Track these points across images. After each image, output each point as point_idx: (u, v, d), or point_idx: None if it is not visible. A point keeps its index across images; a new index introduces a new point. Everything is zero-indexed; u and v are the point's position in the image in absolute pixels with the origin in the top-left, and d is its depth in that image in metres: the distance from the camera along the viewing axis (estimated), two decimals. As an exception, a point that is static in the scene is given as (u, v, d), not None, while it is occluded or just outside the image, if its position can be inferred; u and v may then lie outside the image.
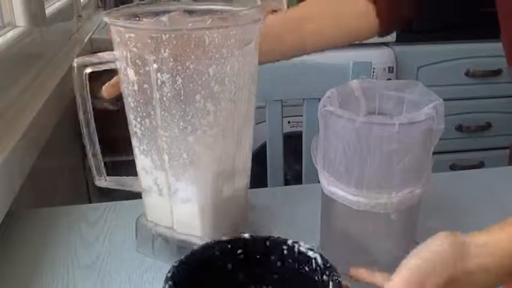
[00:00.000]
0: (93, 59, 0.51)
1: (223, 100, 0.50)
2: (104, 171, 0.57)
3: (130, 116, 0.53)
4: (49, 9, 1.12)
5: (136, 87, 0.51)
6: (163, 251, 0.58)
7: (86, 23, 1.52)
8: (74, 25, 1.36)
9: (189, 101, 0.49)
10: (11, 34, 0.86)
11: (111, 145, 1.48)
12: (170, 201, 0.55)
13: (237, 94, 0.51)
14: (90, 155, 0.56)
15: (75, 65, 0.51)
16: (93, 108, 1.56)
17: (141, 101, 0.51)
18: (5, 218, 0.61)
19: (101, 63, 0.51)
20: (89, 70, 0.51)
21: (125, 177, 0.59)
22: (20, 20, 0.91)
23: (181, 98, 0.49)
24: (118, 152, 1.45)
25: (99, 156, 0.56)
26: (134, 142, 0.55)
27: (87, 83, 0.52)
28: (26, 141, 0.69)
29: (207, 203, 0.54)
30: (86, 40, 1.30)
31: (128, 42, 0.48)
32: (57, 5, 1.21)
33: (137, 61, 0.49)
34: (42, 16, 1.00)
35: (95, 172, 0.57)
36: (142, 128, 0.53)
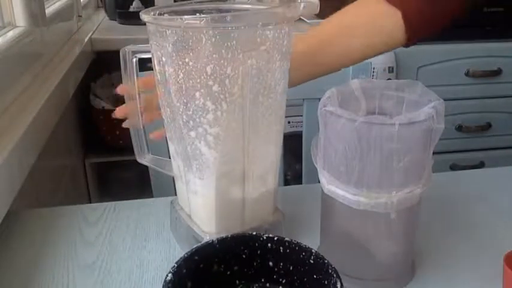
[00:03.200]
0: (143, 47, 0.55)
1: (224, 101, 0.50)
2: (146, 149, 0.62)
3: (160, 103, 0.57)
4: (49, 9, 1.12)
5: (159, 77, 0.54)
6: (183, 237, 0.60)
7: (86, 23, 1.52)
8: (74, 25, 1.37)
9: (189, 97, 0.50)
10: (11, 34, 0.86)
11: (110, 145, 1.49)
12: (187, 190, 0.57)
13: (244, 97, 0.51)
14: (132, 134, 0.61)
15: (126, 50, 0.56)
16: (93, 108, 1.56)
17: (162, 90, 0.54)
18: (5, 218, 0.61)
19: (148, 51, 0.55)
20: (139, 56, 0.57)
21: (163, 158, 0.63)
22: (20, 20, 0.92)
23: (183, 92, 0.50)
24: (118, 151, 1.46)
25: (142, 136, 0.61)
26: (165, 127, 0.58)
27: (138, 68, 0.58)
28: (26, 141, 0.69)
29: (211, 200, 0.55)
30: (86, 40, 1.31)
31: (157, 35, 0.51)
32: (57, 5, 1.21)
33: (158, 53, 0.52)
34: (42, 16, 1.00)
35: (137, 150, 0.62)
36: (165, 116, 0.56)
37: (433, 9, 0.70)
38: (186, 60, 0.48)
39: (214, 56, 0.48)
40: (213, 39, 0.47)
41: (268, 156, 0.57)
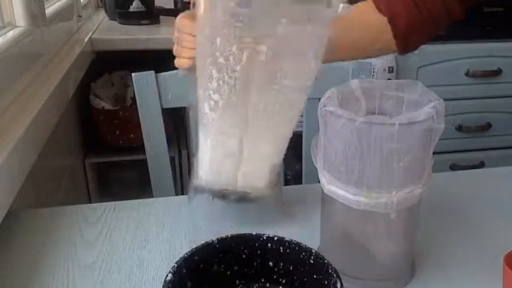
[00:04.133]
0: None
1: (226, 74, 0.52)
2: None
3: None
4: (49, 9, 1.12)
5: None
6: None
7: (86, 23, 1.52)
8: (74, 25, 1.37)
9: (202, 63, 0.53)
10: (11, 34, 0.86)
11: (110, 145, 1.49)
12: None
13: (246, 78, 0.52)
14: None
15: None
16: (93, 108, 1.56)
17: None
18: (5, 218, 0.61)
19: None
20: None
21: None
22: (20, 20, 0.92)
23: (200, 56, 0.54)
24: (118, 151, 1.46)
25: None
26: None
27: None
28: (26, 141, 0.69)
29: (204, 153, 0.57)
30: (86, 40, 1.31)
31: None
32: (57, 5, 1.21)
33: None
34: (42, 16, 1.00)
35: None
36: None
37: (421, 17, 0.68)
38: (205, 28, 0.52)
39: (224, 31, 0.50)
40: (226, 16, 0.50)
41: (267, 145, 0.57)
